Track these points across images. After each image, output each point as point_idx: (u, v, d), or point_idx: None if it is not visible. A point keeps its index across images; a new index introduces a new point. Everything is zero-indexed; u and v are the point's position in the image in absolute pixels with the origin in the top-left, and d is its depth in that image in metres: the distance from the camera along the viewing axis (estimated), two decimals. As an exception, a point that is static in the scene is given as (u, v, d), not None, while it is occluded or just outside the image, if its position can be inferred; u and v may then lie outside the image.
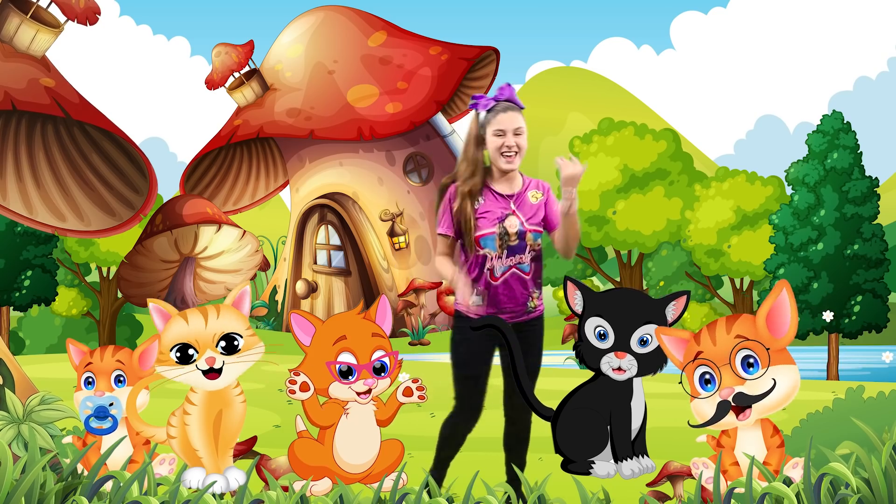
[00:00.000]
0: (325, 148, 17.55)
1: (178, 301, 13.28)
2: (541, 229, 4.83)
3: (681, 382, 4.25)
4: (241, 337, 4.60)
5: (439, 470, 5.00)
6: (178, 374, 4.56)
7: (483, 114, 4.82)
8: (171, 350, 4.57)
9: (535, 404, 4.77)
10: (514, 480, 4.94)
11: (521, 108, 4.80)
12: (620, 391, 4.58)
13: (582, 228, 16.90)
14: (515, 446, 5.03)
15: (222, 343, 4.57)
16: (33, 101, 10.48)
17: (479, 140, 4.83)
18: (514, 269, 4.78)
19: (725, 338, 4.19)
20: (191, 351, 4.55)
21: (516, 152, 4.76)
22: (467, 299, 4.74)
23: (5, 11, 10.52)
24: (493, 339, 4.81)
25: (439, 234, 4.86)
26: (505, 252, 4.75)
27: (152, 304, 4.63)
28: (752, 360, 4.17)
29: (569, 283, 4.61)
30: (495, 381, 4.96)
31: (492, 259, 4.76)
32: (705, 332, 4.23)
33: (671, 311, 4.53)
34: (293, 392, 4.57)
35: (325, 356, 4.58)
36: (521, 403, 4.84)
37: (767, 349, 4.15)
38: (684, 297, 4.54)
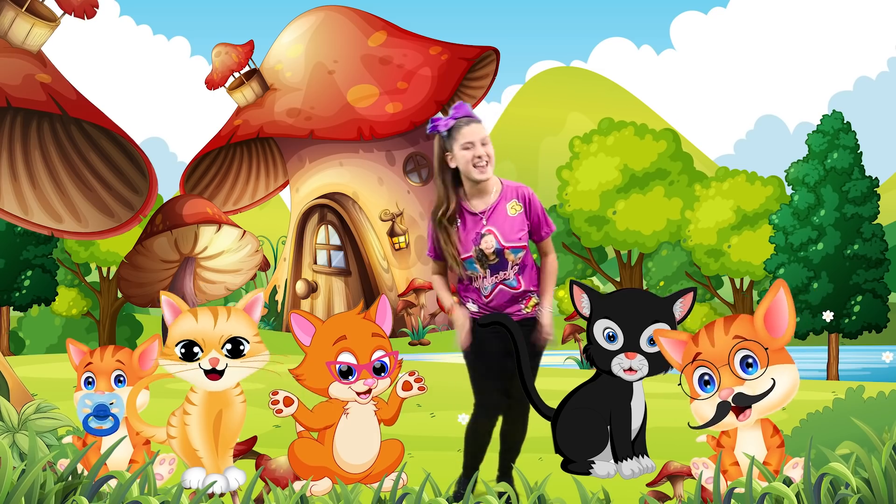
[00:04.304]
0: (325, 148, 17.54)
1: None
2: (521, 244, 4.84)
3: (680, 384, 4.24)
4: (248, 342, 4.60)
5: (466, 478, 4.98)
6: (180, 370, 4.56)
7: (445, 134, 4.84)
8: (176, 345, 4.57)
9: (536, 401, 4.77)
10: (506, 476, 4.99)
11: (481, 121, 4.84)
12: (620, 391, 4.57)
13: (582, 228, 16.99)
14: (513, 446, 5.05)
15: (228, 346, 4.57)
16: (29, 98, 10.21)
17: (443, 164, 4.87)
18: (501, 286, 4.82)
19: (724, 338, 4.18)
20: (196, 349, 4.56)
21: (487, 162, 4.78)
22: (462, 337, 4.85)
23: (0, 5, 10.34)
24: (502, 336, 4.82)
25: (429, 256, 5.01)
26: (489, 271, 4.79)
27: (165, 296, 4.64)
28: (750, 361, 4.16)
29: (575, 287, 4.61)
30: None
31: (478, 279, 4.83)
32: (703, 334, 4.22)
33: (679, 309, 4.53)
34: (280, 412, 4.57)
35: (325, 356, 4.58)
36: (519, 404, 4.89)
37: (766, 349, 4.14)
38: (691, 294, 4.55)
